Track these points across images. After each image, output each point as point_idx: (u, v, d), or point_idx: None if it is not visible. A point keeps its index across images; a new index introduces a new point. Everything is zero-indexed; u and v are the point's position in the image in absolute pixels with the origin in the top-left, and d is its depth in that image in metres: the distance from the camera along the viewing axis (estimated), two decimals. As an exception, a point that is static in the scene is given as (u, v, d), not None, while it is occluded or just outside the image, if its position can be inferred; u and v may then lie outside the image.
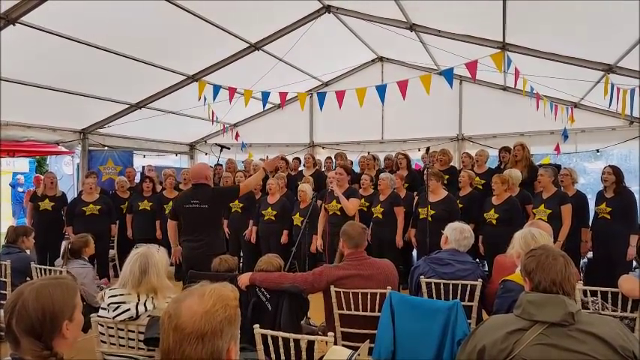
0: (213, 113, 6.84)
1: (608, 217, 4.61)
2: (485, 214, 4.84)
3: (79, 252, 3.66)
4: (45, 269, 3.66)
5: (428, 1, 5.09)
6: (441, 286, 2.83)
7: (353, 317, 2.78)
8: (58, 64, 5.51)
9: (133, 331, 2.22)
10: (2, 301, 3.41)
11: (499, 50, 5.10)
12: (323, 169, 7.17)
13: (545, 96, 5.84)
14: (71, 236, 5.27)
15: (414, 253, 5.54)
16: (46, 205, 5.74)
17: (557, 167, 5.49)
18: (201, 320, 1.04)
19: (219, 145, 7.24)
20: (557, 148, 7.03)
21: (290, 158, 7.55)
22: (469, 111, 7.87)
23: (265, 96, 5.76)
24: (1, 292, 3.62)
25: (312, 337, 2.07)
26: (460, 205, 4.97)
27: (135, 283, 2.24)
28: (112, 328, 2.24)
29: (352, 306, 2.77)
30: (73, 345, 1.40)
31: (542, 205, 4.69)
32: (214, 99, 5.84)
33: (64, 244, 5.88)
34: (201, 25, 5.38)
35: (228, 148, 7.41)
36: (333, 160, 7.20)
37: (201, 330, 1.03)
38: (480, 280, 2.78)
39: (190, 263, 3.75)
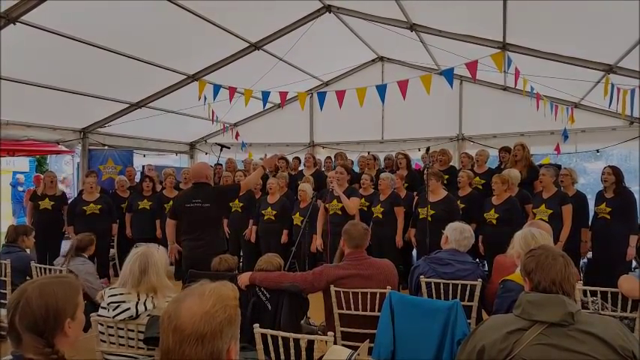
0: (213, 113, 6.84)
1: (608, 217, 4.61)
2: (485, 214, 4.84)
3: (83, 250, 3.71)
4: (45, 268, 3.67)
5: (428, 1, 5.08)
6: (441, 286, 2.83)
7: (353, 317, 2.78)
8: (59, 63, 5.51)
9: (133, 331, 2.22)
10: (2, 301, 3.42)
11: (499, 50, 5.10)
12: (323, 169, 7.17)
13: (545, 96, 5.84)
14: (72, 236, 5.28)
15: (414, 253, 5.55)
16: (46, 204, 5.74)
17: (558, 167, 5.49)
18: (200, 321, 1.03)
19: (219, 144, 7.24)
20: (558, 149, 7.03)
21: (290, 158, 7.55)
22: (469, 111, 7.87)
23: (265, 95, 5.76)
24: (2, 291, 3.62)
25: (311, 337, 2.07)
26: (462, 206, 4.98)
27: (135, 283, 2.24)
28: (112, 327, 2.24)
29: (352, 306, 2.77)
30: (74, 344, 1.40)
31: (543, 205, 4.69)
32: (214, 98, 5.84)
33: (64, 243, 5.88)
34: (202, 25, 5.38)
35: (229, 148, 7.41)
36: (333, 159, 7.20)
37: (201, 331, 1.03)
38: (479, 280, 2.78)
39: (191, 262, 3.75)
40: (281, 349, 2.09)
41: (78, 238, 3.82)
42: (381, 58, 8.23)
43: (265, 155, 7.39)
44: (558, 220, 4.48)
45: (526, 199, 5.02)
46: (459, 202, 5.02)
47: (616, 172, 4.62)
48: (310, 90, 8.20)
